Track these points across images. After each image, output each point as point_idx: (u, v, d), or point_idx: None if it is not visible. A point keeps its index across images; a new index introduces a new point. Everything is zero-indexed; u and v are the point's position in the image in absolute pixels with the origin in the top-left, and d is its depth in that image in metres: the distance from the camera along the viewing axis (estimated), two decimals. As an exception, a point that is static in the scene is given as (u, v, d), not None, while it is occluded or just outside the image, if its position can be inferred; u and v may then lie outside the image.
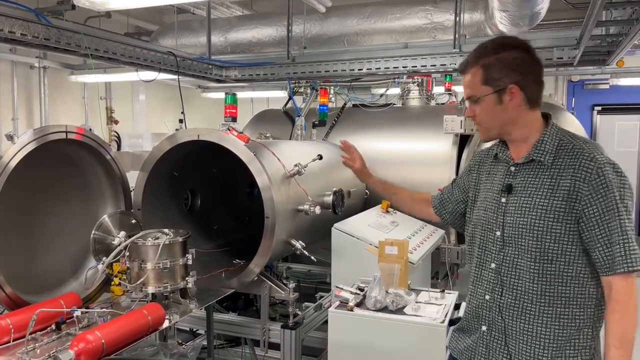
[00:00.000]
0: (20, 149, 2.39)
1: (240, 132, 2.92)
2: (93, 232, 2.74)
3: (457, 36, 3.75)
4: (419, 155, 4.71)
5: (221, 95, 7.18)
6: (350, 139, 4.87)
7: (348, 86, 5.84)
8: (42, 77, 6.11)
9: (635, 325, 1.60)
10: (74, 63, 6.22)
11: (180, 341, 3.11)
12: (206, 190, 3.78)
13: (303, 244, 3.11)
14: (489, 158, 1.96)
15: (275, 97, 8.16)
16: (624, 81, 6.41)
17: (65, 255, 2.83)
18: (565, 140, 1.73)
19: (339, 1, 4.91)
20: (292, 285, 3.03)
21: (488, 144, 2.13)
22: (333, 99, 6.00)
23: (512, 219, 1.76)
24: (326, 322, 2.65)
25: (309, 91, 5.31)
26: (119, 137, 6.87)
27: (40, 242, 2.72)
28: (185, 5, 5.26)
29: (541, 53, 3.48)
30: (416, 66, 3.90)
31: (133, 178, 3.18)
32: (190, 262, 2.64)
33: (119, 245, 2.62)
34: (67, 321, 2.26)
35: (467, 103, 1.84)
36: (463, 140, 4.49)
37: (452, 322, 2.53)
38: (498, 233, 1.79)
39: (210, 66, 4.49)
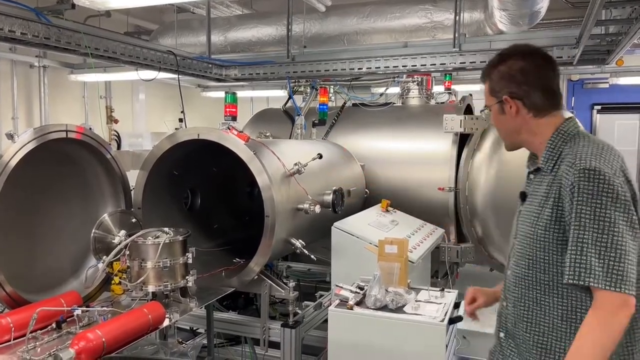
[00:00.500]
0: (21, 148, 2.40)
1: (240, 131, 2.93)
2: (93, 231, 2.74)
3: (456, 35, 3.75)
4: (419, 154, 4.71)
5: (221, 94, 7.17)
6: (350, 138, 4.96)
7: (348, 85, 5.84)
8: (42, 76, 6.11)
9: (589, 347, 1.47)
10: (74, 62, 6.22)
11: (180, 340, 3.11)
12: (206, 189, 3.78)
13: (303, 242, 3.11)
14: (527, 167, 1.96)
15: (275, 96, 8.15)
16: (624, 80, 6.41)
17: (66, 254, 2.83)
18: (570, 145, 1.66)
19: (338, 0, 4.91)
20: (292, 284, 3.04)
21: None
22: (333, 98, 5.99)
23: (519, 227, 1.77)
24: (326, 321, 2.66)
25: (308, 90, 5.31)
26: (118, 137, 6.87)
27: (41, 241, 2.73)
28: (185, 4, 5.25)
29: (541, 52, 3.50)
30: (416, 65, 3.90)
31: (133, 177, 3.18)
32: (190, 261, 2.64)
33: (119, 244, 2.62)
34: (68, 320, 2.27)
35: None
36: (463, 140, 4.50)
37: (451, 321, 2.55)
38: (514, 240, 1.81)
39: (210, 65, 4.49)
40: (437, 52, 3.84)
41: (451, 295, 2.78)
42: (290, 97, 5.07)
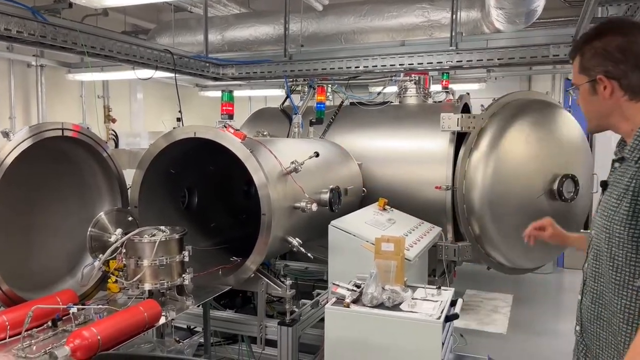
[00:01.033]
0: (16, 146, 2.39)
1: (236, 130, 2.93)
2: (89, 229, 2.74)
3: (453, 34, 3.75)
4: (416, 153, 4.72)
5: (219, 94, 7.16)
6: (348, 137, 4.96)
7: (346, 84, 5.84)
8: (40, 75, 6.10)
9: None
10: (71, 61, 6.22)
11: (177, 338, 3.11)
12: (203, 188, 3.78)
13: (300, 241, 3.12)
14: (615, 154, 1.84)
15: (273, 95, 8.16)
16: (621, 79, 6.42)
17: (62, 252, 2.83)
18: None
19: (336, -1, 4.91)
20: (288, 282, 3.04)
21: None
22: (331, 97, 6.00)
23: (597, 219, 1.66)
24: (323, 319, 2.66)
25: (306, 89, 5.31)
26: (116, 136, 6.87)
27: (37, 240, 2.72)
28: (182, 3, 5.25)
29: (537, 50, 3.51)
30: (413, 64, 3.91)
31: (130, 176, 3.18)
32: (186, 259, 2.64)
33: (115, 242, 2.62)
34: (64, 318, 2.26)
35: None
36: (460, 138, 4.51)
37: (448, 319, 2.55)
38: (593, 232, 1.70)
39: (207, 64, 4.49)
40: (434, 51, 3.85)
41: (448, 293, 2.78)
42: (287, 96, 5.07)
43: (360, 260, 3.16)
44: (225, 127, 2.94)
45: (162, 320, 2.36)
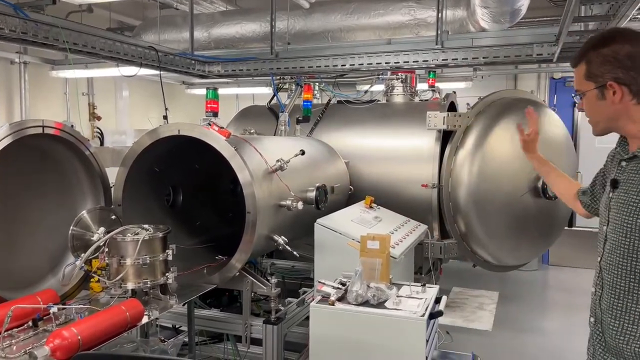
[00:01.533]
0: (-4, 144, 2.35)
1: (221, 127, 2.91)
2: (71, 228, 2.70)
3: (439, 32, 3.76)
4: (403, 151, 4.73)
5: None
6: (335, 135, 4.96)
7: (333, 82, 5.84)
8: (23, 72, 6.00)
9: None
10: (55, 58, 6.13)
11: (162, 338, 3.09)
12: (188, 186, 3.76)
13: (286, 239, 3.11)
14: (618, 152, 1.92)
15: (260, 93, 8.12)
16: (605, 78, 6.50)
17: (44, 251, 2.79)
18: None
19: (322, -3, 4.91)
20: (274, 280, 3.03)
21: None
22: (318, 95, 6.00)
23: (612, 214, 1.75)
24: (309, 317, 2.65)
25: (293, 87, 5.31)
26: (101, 134, 6.79)
27: (18, 238, 2.69)
28: (168, 0, 5.21)
29: (521, 49, 3.54)
30: (399, 62, 3.91)
31: (114, 174, 3.15)
32: (170, 257, 2.62)
33: (98, 241, 2.59)
34: (45, 318, 2.23)
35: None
36: (446, 137, 4.53)
37: (432, 316, 2.56)
38: (604, 228, 1.80)
39: (193, 61, 4.46)
40: (420, 49, 3.86)
41: (432, 291, 2.79)
42: (274, 94, 5.05)
43: (346, 258, 3.16)
44: (210, 124, 2.92)
45: (145, 319, 2.34)
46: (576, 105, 1.90)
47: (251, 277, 3.04)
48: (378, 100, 5.42)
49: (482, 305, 5.74)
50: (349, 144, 4.88)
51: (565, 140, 4.52)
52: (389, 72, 5.31)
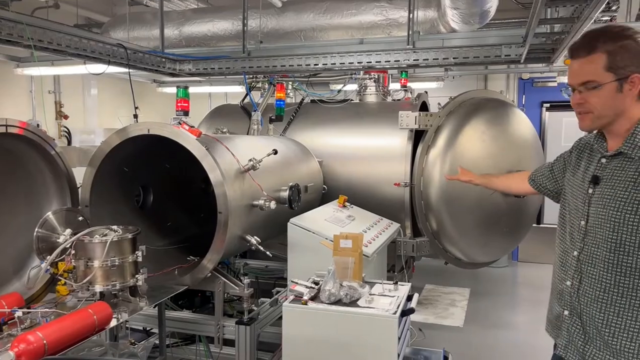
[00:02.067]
0: (-45, 143, 2.27)
1: (192, 126, 2.87)
2: (36, 229, 2.63)
3: (410, 33, 3.80)
4: (376, 150, 4.76)
5: (177, 90, 7.03)
6: (308, 134, 4.96)
7: (306, 81, 5.84)
8: (-14, 70, 5.83)
9: None
10: (20, 55, 5.95)
11: (132, 340, 3.04)
12: (159, 186, 3.70)
13: (258, 239, 3.09)
14: (587, 147, 1.98)
15: (233, 92, 8.07)
16: (571, 79, 6.69)
17: (8, 254, 2.71)
18: None
19: (295, -4, 4.89)
20: (246, 281, 3.01)
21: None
22: (292, 94, 5.98)
23: (594, 210, 1.78)
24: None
25: (266, 86, 5.28)
26: (69, 133, 6.63)
27: (-20, 241, 2.60)
28: (137, -4, 5.12)
29: (490, 50, 3.60)
30: (371, 62, 3.93)
31: (81, 174, 3.07)
32: (140, 259, 2.57)
33: (64, 243, 2.52)
34: (9, 322, 2.17)
35: (576, 89, 1.76)
36: (418, 136, 4.58)
37: (404, 313, 2.58)
38: (582, 222, 1.83)
39: (164, 59, 4.38)
40: (392, 49, 3.88)
41: (404, 288, 2.81)
42: (247, 93, 5.02)
43: (319, 258, 3.16)
44: (181, 123, 2.88)
45: (114, 322, 2.29)
46: (568, 96, 1.86)
47: (223, 278, 3.02)
48: (351, 100, 5.44)
49: (454, 302, 5.84)
50: (323, 143, 4.89)
51: (533, 139, 4.63)
52: (361, 72, 5.34)
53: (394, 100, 5.65)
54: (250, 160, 3.07)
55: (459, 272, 5.83)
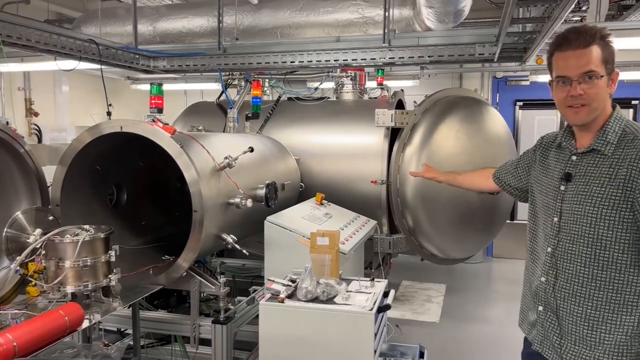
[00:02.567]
0: None
1: (166, 124, 2.83)
2: (5, 230, 2.56)
3: (386, 31, 3.82)
4: (353, 148, 4.78)
5: (152, 87, 6.91)
6: (286, 132, 4.95)
7: (283, 79, 5.82)
8: (-48, 65, 5.64)
9: None
10: (-13, 51, 5.78)
11: (106, 342, 2.98)
12: (133, 184, 3.64)
13: (235, 237, 3.07)
14: (553, 145, 2.00)
15: (209, 89, 7.98)
16: (542, 78, 6.81)
17: (-25, 255, 2.63)
18: (628, 131, 1.77)
19: (271, -7, 4.86)
20: (222, 279, 2.99)
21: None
22: (268, 92, 5.96)
23: (568, 206, 1.81)
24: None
25: (243, 83, 5.24)
26: (39, 130, 6.47)
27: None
28: (110, -9, 5.02)
29: (464, 49, 3.64)
30: (347, 60, 3.94)
31: (52, 172, 3.00)
32: (113, 259, 2.53)
33: (34, 243, 2.46)
34: (-23, 325, 2.11)
35: (574, 81, 1.76)
36: (394, 134, 4.61)
37: (380, 309, 2.60)
38: (555, 219, 1.85)
39: (137, 56, 4.31)
40: (368, 47, 3.89)
41: (381, 285, 2.83)
42: (223, 91, 4.97)
43: (296, 256, 3.16)
44: (155, 121, 2.84)
45: (86, 323, 2.25)
46: (552, 86, 1.86)
47: (199, 277, 2.99)
48: (328, 98, 5.45)
49: (430, 298, 5.91)
50: (300, 141, 4.88)
51: (506, 136, 4.71)
52: (338, 70, 5.35)
53: (370, 98, 5.68)
54: (226, 158, 3.05)
55: (435, 268, 5.91)
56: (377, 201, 4.52)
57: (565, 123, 1.94)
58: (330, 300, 2.57)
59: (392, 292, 2.83)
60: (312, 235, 2.91)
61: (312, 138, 4.94)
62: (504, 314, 5.49)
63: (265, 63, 4.11)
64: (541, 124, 7.72)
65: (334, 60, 3.98)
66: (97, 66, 3.97)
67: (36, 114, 6.48)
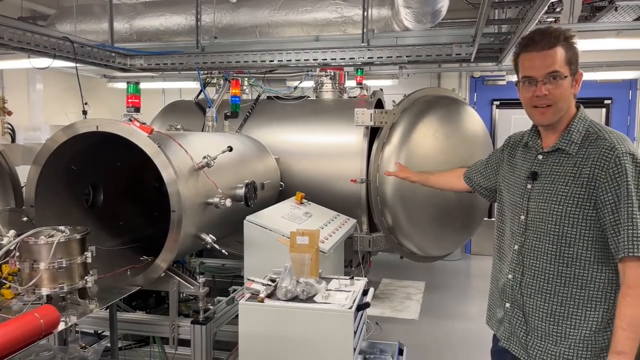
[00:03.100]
0: None
1: (143, 123, 2.80)
2: (-23, 232, 2.50)
3: (365, 30, 3.84)
4: (332, 147, 4.80)
5: (129, 85, 6.82)
6: (265, 131, 4.93)
7: (262, 78, 5.80)
8: None
9: None
10: (-42, 48, 5.62)
11: (83, 344, 2.94)
12: (110, 184, 3.59)
13: (214, 237, 3.05)
14: (520, 144, 2.03)
15: (188, 88, 7.92)
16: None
17: (-55, 258, 2.55)
18: (591, 131, 1.80)
19: (250, -9, 4.84)
20: (202, 280, 2.97)
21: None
22: (248, 90, 5.93)
23: (535, 204, 1.84)
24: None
25: (221, 82, 5.21)
26: (12, 130, 6.32)
27: None
28: (85, -12, 4.93)
29: (442, 49, 3.69)
30: (326, 59, 3.95)
31: (26, 173, 2.94)
32: (89, 260, 2.48)
33: (8, 245, 2.40)
34: (-53, 330, 2.05)
35: (539, 82, 1.79)
36: (374, 133, 4.64)
37: (359, 307, 2.62)
38: (522, 217, 1.88)
39: (113, 54, 4.24)
40: (347, 47, 3.91)
41: (360, 283, 2.85)
42: (201, 89, 4.94)
43: (276, 255, 3.15)
44: (131, 120, 2.81)
45: (62, 326, 2.21)
46: (519, 87, 1.92)
47: (178, 277, 2.97)
48: (308, 97, 5.45)
49: (409, 295, 5.96)
50: (279, 140, 4.88)
51: (483, 135, 4.78)
52: (317, 69, 5.36)
53: (350, 97, 5.70)
54: (204, 157, 3.03)
55: (415, 266, 5.96)
56: (357, 200, 4.54)
57: (532, 123, 1.98)
58: (310, 299, 2.58)
59: (371, 290, 2.86)
60: (292, 234, 2.91)
61: (291, 137, 4.94)
62: (482, 310, 5.51)
63: (244, 62, 4.10)
64: (517, 123, 7.85)
65: (313, 60, 3.99)
66: (72, 64, 3.90)
67: (9, 113, 6.33)
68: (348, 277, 2.90)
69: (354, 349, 2.49)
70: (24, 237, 2.33)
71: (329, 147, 4.81)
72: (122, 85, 7.99)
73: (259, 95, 5.42)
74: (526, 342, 1.89)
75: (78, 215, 3.23)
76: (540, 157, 1.89)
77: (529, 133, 1.98)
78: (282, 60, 4.00)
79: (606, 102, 7.69)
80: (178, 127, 4.40)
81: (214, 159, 3.06)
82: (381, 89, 5.54)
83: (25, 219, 2.73)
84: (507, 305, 1.97)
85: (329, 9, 4.46)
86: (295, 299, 2.58)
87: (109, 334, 2.95)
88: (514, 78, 7.34)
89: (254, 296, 2.60)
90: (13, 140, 6.26)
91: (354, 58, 3.86)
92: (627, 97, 7.66)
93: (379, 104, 5.29)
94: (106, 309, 2.84)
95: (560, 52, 1.77)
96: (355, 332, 2.52)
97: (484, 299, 6.38)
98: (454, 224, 4.58)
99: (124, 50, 4.32)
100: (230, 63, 4.13)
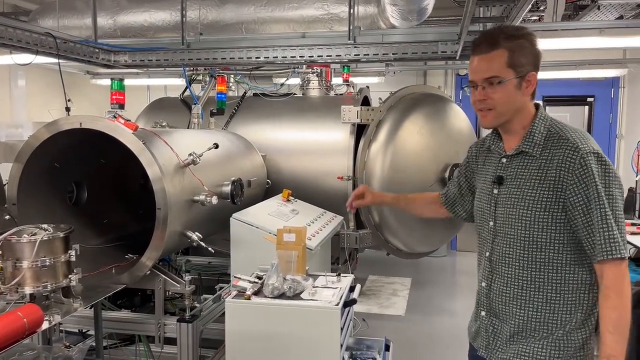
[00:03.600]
0: None
1: (128, 120, 2.77)
2: (-43, 230, 2.45)
3: (351, 28, 3.84)
4: (319, 144, 4.81)
5: (114, 82, 6.73)
6: (251, 128, 4.92)
7: (249, 75, 5.78)
8: None
9: (629, 311, 1.61)
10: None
11: (67, 343, 2.91)
12: (94, 182, 3.55)
13: (200, 235, 3.04)
14: (482, 150, 1.98)
15: (173, 84, 7.85)
16: (504, 76, 7.01)
17: None
18: (553, 131, 1.75)
19: (236, -13, 4.80)
20: (187, 278, 2.96)
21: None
22: (234, 87, 5.90)
23: (503, 209, 1.79)
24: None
25: (207, 79, 5.17)
26: (-6, 127, 6.21)
27: None
28: (67, -18, 4.85)
29: (428, 47, 3.71)
30: (313, 56, 3.94)
31: (7, 170, 2.90)
32: (73, 258, 2.46)
33: (-11, 243, 2.37)
34: None
35: (478, 86, 1.76)
36: (360, 130, 4.66)
37: (346, 304, 2.63)
38: (491, 223, 1.84)
39: (97, 50, 4.18)
40: (333, 44, 3.91)
41: (347, 280, 2.86)
42: (187, 87, 4.90)
43: (263, 252, 3.16)
44: (116, 117, 2.78)
45: (46, 325, 2.19)
46: (467, 92, 1.90)
47: (163, 275, 2.95)
48: (294, 94, 5.44)
49: (396, 292, 6.00)
50: (266, 137, 4.87)
51: (469, 133, 4.83)
52: (304, 66, 5.35)
53: (336, 94, 5.71)
54: (190, 154, 3.01)
55: (401, 262, 6.00)
56: (344, 197, 4.55)
57: None
58: (296, 296, 2.58)
59: (358, 286, 2.87)
60: (279, 231, 2.91)
61: (278, 134, 4.93)
62: (468, 306, 5.56)
63: (230, 58, 4.08)
64: (502, 120, 7.93)
65: (300, 57, 3.98)
66: (55, 60, 3.84)
67: (-10, 110, 6.24)
68: (335, 274, 2.90)
69: (341, 345, 2.50)
70: (7, 236, 2.30)
71: (315, 144, 4.82)
72: (106, 81, 7.89)
73: (245, 92, 5.40)
74: (504, 350, 1.85)
75: (61, 213, 3.19)
76: (504, 160, 1.84)
77: (491, 137, 1.93)
78: (268, 57, 3.99)
79: (589, 99, 7.80)
80: (163, 124, 4.36)
81: (200, 156, 3.04)
82: (367, 87, 5.55)
83: (7, 217, 2.70)
84: (483, 313, 1.93)
85: (315, 6, 4.45)
86: (282, 296, 2.58)
87: (94, 333, 2.93)
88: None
89: (241, 294, 2.60)
90: (-6, 137, 6.15)
91: (340, 55, 3.86)
92: (610, 94, 7.78)
93: (366, 102, 5.30)
94: (91, 308, 2.81)
95: (501, 55, 1.70)
96: (342, 329, 2.53)
97: (469, 294, 6.46)
98: (439, 221, 4.61)
99: (108, 46, 4.27)
100: (216, 60, 4.11)
